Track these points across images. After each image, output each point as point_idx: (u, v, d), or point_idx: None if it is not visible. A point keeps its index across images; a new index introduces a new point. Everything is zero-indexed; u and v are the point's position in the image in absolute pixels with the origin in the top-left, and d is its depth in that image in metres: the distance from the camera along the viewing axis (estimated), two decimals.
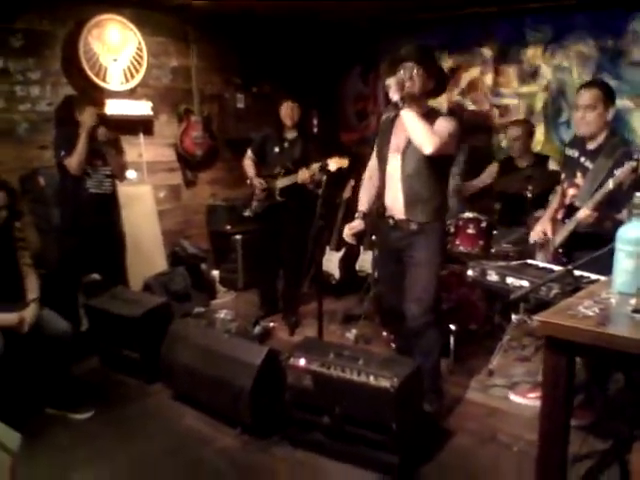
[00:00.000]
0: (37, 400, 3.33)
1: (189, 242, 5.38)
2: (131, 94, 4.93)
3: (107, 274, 4.31)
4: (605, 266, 2.01)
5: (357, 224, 3.34)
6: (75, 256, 4.08)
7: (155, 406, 3.50)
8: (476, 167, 4.86)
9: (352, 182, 4.90)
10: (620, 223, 2.22)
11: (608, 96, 3.03)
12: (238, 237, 5.45)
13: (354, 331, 4.39)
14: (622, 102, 4.31)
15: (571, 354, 1.75)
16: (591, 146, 3.09)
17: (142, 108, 5.01)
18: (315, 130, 5.91)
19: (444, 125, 2.95)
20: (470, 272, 3.06)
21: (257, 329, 4.41)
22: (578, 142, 3.20)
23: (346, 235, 3.38)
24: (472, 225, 4.15)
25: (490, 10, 4.94)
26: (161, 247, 5.21)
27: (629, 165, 2.70)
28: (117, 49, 4.74)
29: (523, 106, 5.14)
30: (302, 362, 2.92)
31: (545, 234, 3.27)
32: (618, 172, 2.75)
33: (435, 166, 2.99)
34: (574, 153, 3.20)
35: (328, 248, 5.18)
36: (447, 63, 5.35)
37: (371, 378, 2.72)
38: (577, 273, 2.44)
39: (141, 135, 5.12)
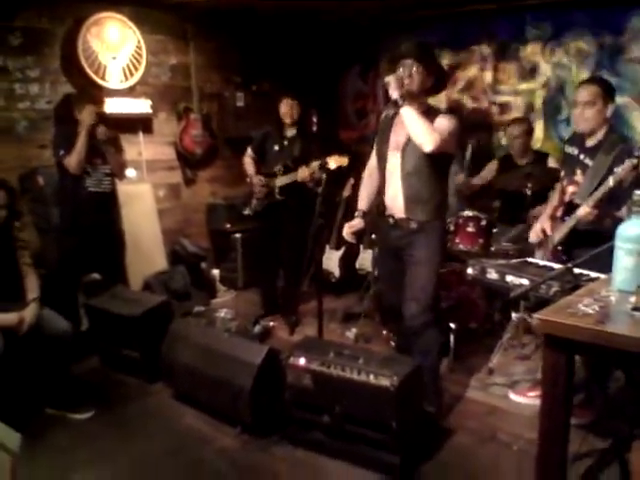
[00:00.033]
0: (37, 400, 3.33)
1: (189, 241, 5.38)
2: (130, 92, 4.93)
3: (107, 273, 4.31)
4: (605, 264, 2.00)
5: (357, 223, 3.33)
6: (75, 255, 4.08)
7: (155, 406, 3.50)
8: (476, 165, 4.85)
9: (352, 180, 4.90)
10: (620, 220, 2.21)
11: (607, 93, 3.03)
12: (238, 236, 5.45)
13: (354, 330, 4.38)
14: (621, 99, 4.30)
15: (571, 352, 1.74)
16: (590, 143, 3.08)
17: (141, 106, 5.00)
18: (315, 128, 5.90)
19: (444, 123, 2.94)
20: (470, 270, 3.05)
21: (257, 328, 4.41)
22: (577, 139, 3.20)
23: (346, 234, 3.37)
24: (472, 223, 4.14)
25: (490, 7, 4.93)
26: (161, 246, 5.21)
27: (629, 162, 2.69)
28: (116, 47, 4.74)
29: (522, 103, 5.14)
30: (302, 361, 2.92)
31: (544, 232, 3.27)
32: (618, 169, 2.74)
33: (435, 164, 2.98)
34: (573, 150, 3.20)
35: (328, 246, 5.18)
36: (446, 60, 5.34)
37: (371, 377, 2.71)
38: (577, 271, 2.43)
39: (140, 133, 5.12)
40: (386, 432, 2.69)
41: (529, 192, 4.01)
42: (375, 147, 3.26)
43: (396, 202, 3.09)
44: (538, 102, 5.05)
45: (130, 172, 4.66)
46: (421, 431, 2.94)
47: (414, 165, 3.00)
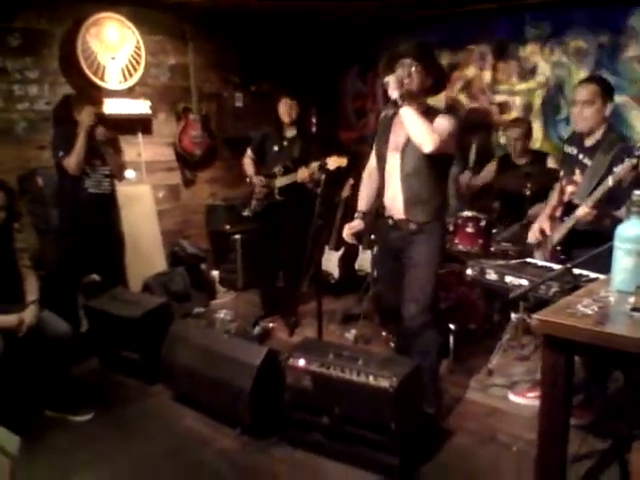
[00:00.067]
0: (37, 402, 3.33)
1: (188, 242, 5.38)
2: (129, 93, 4.93)
3: (106, 275, 4.31)
4: (604, 264, 2.00)
5: (357, 224, 3.33)
6: (74, 257, 4.08)
7: (155, 407, 3.49)
8: (476, 165, 4.84)
9: (351, 181, 4.89)
10: (619, 220, 2.21)
11: (606, 92, 3.02)
12: (237, 237, 5.45)
13: (353, 331, 4.38)
14: (620, 98, 4.30)
15: (570, 353, 1.74)
16: (589, 142, 3.08)
17: (140, 107, 5.00)
18: (314, 129, 5.90)
19: (443, 123, 2.93)
20: (469, 271, 3.05)
21: (257, 329, 4.41)
22: (576, 139, 3.20)
23: (346, 235, 3.36)
24: (471, 224, 4.14)
25: (489, 7, 4.93)
26: (160, 247, 5.21)
27: (629, 162, 2.68)
28: (115, 47, 4.74)
29: (521, 103, 5.14)
30: (301, 362, 2.91)
31: (543, 232, 3.26)
32: (618, 169, 2.73)
33: (435, 165, 2.97)
34: (572, 150, 3.20)
35: (327, 247, 5.17)
36: (445, 60, 5.34)
37: (370, 378, 2.71)
38: (576, 271, 2.43)
39: (140, 134, 5.12)
40: (385, 433, 2.69)
41: (528, 192, 4.01)
42: (374, 148, 3.25)
43: (395, 203, 3.09)
44: (537, 102, 5.05)
45: (129, 173, 4.66)
46: (420, 432, 2.94)
47: (413, 166, 2.99)
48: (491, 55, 5.25)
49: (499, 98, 5.28)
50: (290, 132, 4.55)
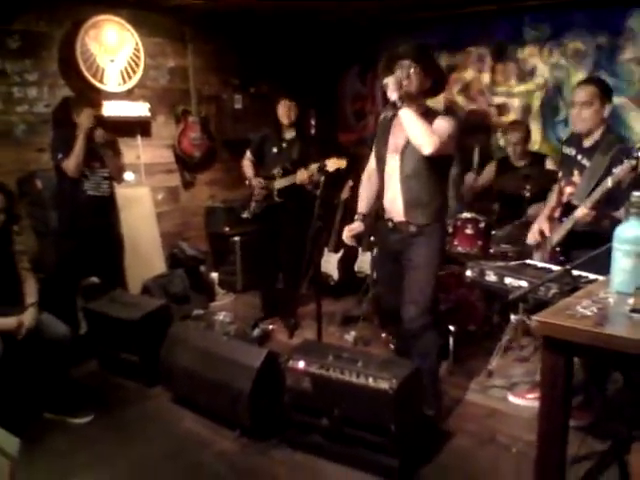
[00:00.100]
0: (36, 404, 3.33)
1: (188, 244, 5.38)
2: (128, 95, 4.93)
3: (105, 277, 4.31)
4: (603, 265, 2.00)
5: (357, 226, 3.32)
6: (73, 259, 4.08)
7: (154, 409, 3.49)
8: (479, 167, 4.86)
9: (350, 183, 4.89)
10: (618, 221, 2.21)
11: (604, 93, 3.03)
12: (237, 239, 5.45)
13: (353, 333, 4.38)
14: (619, 99, 4.31)
15: (569, 354, 1.74)
16: (587, 143, 3.09)
17: (139, 109, 5.00)
18: (313, 131, 5.90)
19: (443, 125, 2.92)
20: (468, 272, 3.05)
21: (256, 331, 4.40)
22: (575, 140, 3.20)
23: (346, 237, 3.35)
24: (470, 225, 4.14)
25: (489, 8, 4.94)
26: (159, 249, 5.21)
27: (628, 163, 2.68)
28: (114, 50, 4.74)
29: (520, 105, 5.14)
30: (301, 364, 2.91)
31: (542, 233, 3.26)
32: (617, 170, 2.73)
33: (434, 167, 2.97)
34: (571, 151, 3.20)
35: (326, 249, 5.17)
36: (444, 62, 5.35)
37: (370, 380, 2.71)
38: (575, 273, 2.43)
39: (139, 137, 5.12)
40: (385, 435, 2.69)
41: (527, 194, 4.01)
42: (374, 149, 3.24)
43: (395, 205, 3.08)
44: (536, 103, 5.06)
45: (128, 175, 4.67)
46: (420, 434, 2.94)
47: (413, 168, 2.99)
48: (490, 57, 5.26)
49: (498, 100, 5.28)
50: (289, 134, 4.55)
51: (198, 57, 5.40)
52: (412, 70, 2.91)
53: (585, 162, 3.06)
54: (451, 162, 3.16)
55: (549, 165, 4.31)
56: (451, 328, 3.83)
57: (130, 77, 4.86)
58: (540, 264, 3.00)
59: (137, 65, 4.89)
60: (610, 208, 2.84)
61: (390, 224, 3.14)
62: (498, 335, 3.92)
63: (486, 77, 5.32)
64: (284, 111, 4.47)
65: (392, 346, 3.96)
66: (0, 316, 3.11)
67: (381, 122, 3.20)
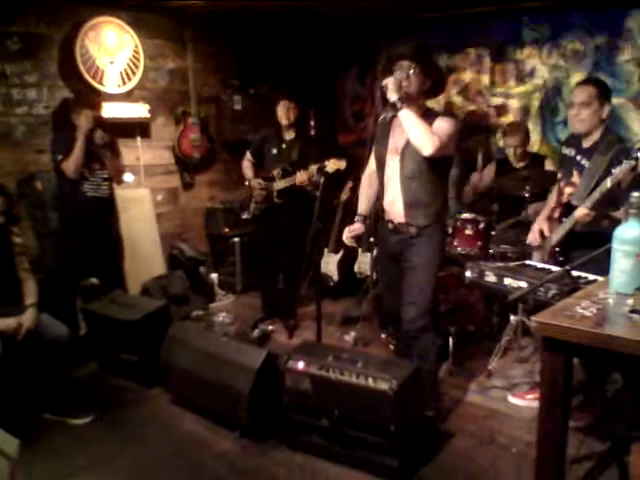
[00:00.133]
0: (35, 405, 3.33)
1: (187, 245, 5.38)
2: (128, 97, 4.93)
3: (105, 278, 4.31)
4: (603, 265, 2.00)
5: (357, 227, 3.31)
6: (73, 260, 4.09)
7: (154, 410, 3.49)
8: (473, 168, 4.86)
9: (350, 184, 4.89)
10: (618, 222, 2.21)
11: (603, 93, 3.03)
12: (236, 240, 5.46)
13: (352, 333, 4.38)
14: (617, 100, 4.31)
15: (569, 355, 1.74)
16: (586, 144, 3.09)
17: (139, 111, 5.00)
18: (312, 132, 5.91)
19: (443, 125, 2.92)
20: (468, 273, 3.05)
21: (256, 332, 4.41)
22: (574, 140, 3.20)
23: (346, 238, 3.35)
24: (470, 226, 4.14)
25: (488, 9, 4.94)
26: (159, 250, 5.21)
27: (627, 164, 2.69)
28: (114, 52, 4.75)
29: (519, 106, 5.15)
30: (301, 365, 2.91)
31: (542, 233, 3.27)
32: (616, 170, 2.73)
33: (434, 168, 2.96)
34: (570, 152, 3.20)
35: (326, 250, 5.18)
36: (444, 63, 5.36)
37: (370, 381, 2.71)
38: (575, 273, 2.43)
39: (138, 138, 5.12)
40: (385, 436, 2.69)
41: (527, 195, 4.02)
42: (374, 151, 3.23)
43: (395, 207, 3.08)
44: (535, 104, 5.06)
45: (128, 177, 4.67)
46: (420, 434, 2.94)
47: (413, 169, 2.98)
48: (489, 58, 5.27)
49: (496, 101, 5.29)
50: (289, 135, 4.55)
51: (197, 58, 5.41)
52: (412, 71, 2.89)
53: (584, 163, 3.06)
54: (451, 163, 3.15)
55: (548, 166, 4.31)
56: (451, 329, 3.83)
57: (130, 78, 4.87)
58: (539, 265, 3.01)
59: (136, 66, 4.90)
60: (610, 208, 2.84)
61: (390, 225, 3.13)
62: (498, 336, 3.92)
63: (485, 78, 5.32)
64: (283, 112, 4.47)
65: (392, 347, 3.96)
66: (0, 317, 3.12)
67: (381, 123, 3.19)
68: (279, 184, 4.47)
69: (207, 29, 5.42)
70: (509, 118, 5.14)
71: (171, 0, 4.79)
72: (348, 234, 3.33)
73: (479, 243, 4.11)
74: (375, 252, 4.03)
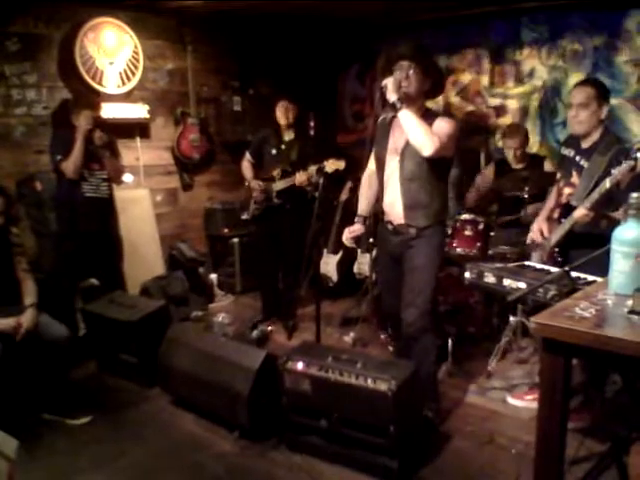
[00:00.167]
0: (35, 406, 3.32)
1: (187, 245, 5.37)
2: (127, 97, 4.93)
3: (104, 278, 4.31)
4: (602, 266, 2.00)
5: (357, 228, 3.31)
6: (72, 260, 4.08)
7: (153, 411, 3.49)
8: (474, 169, 4.86)
9: (349, 184, 4.89)
10: (617, 222, 2.21)
11: (602, 94, 3.03)
12: (236, 240, 5.46)
13: (352, 334, 4.38)
14: (616, 101, 4.32)
15: (568, 356, 1.74)
16: (586, 145, 3.09)
17: (138, 111, 5.01)
18: (312, 132, 5.91)
19: (443, 126, 2.91)
20: (467, 274, 3.05)
21: (255, 333, 4.40)
22: (573, 141, 3.20)
23: (346, 239, 3.34)
24: (469, 227, 4.15)
25: (488, 10, 4.94)
26: (159, 251, 5.21)
27: (627, 164, 2.68)
28: (113, 52, 4.75)
29: (518, 107, 5.15)
30: (300, 366, 2.91)
31: (542, 234, 3.27)
32: (615, 171, 2.73)
33: (434, 168, 2.96)
34: (570, 152, 3.20)
35: (325, 251, 5.17)
36: (443, 64, 5.35)
37: (369, 381, 2.71)
38: (574, 274, 2.43)
39: (138, 138, 5.12)
40: (384, 436, 2.69)
41: (526, 196, 4.02)
42: (374, 151, 3.22)
43: (394, 208, 3.08)
44: (534, 105, 5.06)
45: (127, 177, 4.67)
46: (419, 435, 2.94)
47: (413, 170, 2.98)
48: (488, 59, 5.27)
49: (495, 102, 5.29)
50: (288, 135, 4.55)
51: (197, 59, 5.41)
52: (411, 71, 2.89)
53: (584, 163, 3.06)
54: (451, 164, 3.15)
55: (547, 167, 4.31)
56: (450, 330, 3.82)
57: (129, 79, 4.87)
58: (539, 265, 3.01)
59: (136, 67, 4.90)
60: (609, 209, 2.84)
61: (390, 227, 3.13)
62: (497, 337, 3.92)
63: (484, 79, 5.32)
64: (283, 112, 4.47)
65: (391, 347, 3.96)
66: None
67: (380, 124, 3.19)
68: (278, 185, 4.47)
69: (207, 29, 5.42)
70: (508, 119, 5.15)
71: (171, 0, 4.79)
72: (348, 235, 3.33)
73: (478, 244, 4.11)
74: (374, 253, 4.03)
